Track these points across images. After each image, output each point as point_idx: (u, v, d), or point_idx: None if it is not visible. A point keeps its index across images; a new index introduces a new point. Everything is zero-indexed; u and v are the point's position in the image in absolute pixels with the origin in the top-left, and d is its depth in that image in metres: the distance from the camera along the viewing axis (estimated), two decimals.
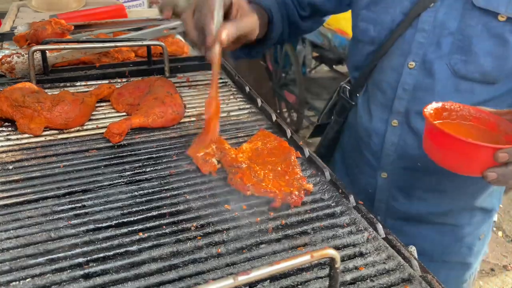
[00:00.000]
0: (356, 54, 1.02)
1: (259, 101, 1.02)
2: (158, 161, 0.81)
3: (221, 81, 1.15)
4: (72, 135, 0.88)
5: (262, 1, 0.97)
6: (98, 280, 0.56)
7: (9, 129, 0.88)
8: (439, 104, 0.77)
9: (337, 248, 0.63)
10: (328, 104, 1.21)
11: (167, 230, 0.65)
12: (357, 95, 1.04)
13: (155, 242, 0.63)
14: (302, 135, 3.85)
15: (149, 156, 0.82)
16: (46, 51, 1.05)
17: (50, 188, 0.72)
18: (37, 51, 1.02)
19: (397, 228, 0.97)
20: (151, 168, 0.79)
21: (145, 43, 1.10)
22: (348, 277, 0.58)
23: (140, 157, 0.82)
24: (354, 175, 1.08)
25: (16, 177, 0.74)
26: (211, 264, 0.59)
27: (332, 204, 0.72)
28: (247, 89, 1.08)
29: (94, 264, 0.59)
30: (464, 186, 0.96)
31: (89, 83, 1.08)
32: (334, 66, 3.85)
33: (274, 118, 0.96)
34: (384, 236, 0.65)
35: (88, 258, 0.59)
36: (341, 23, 2.71)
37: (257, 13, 0.85)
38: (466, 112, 0.77)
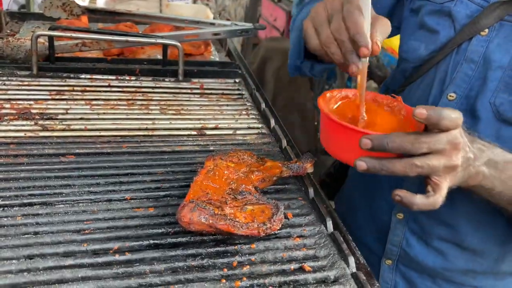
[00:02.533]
0: (393, 77, 0.90)
1: (272, 122, 0.90)
2: (137, 179, 0.70)
3: (237, 92, 1.04)
4: (55, 134, 0.79)
5: None
6: None
7: None
8: (351, 92, 0.67)
9: None
10: None
11: (119, 271, 0.54)
12: None
13: (99, 285, 0.52)
14: None
15: (130, 171, 0.72)
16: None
17: (7, 196, 0.63)
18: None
19: (409, 278, 0.87)
20: (126, 187, 0.68)
21: (159, 41, 1.01)
22: None
23: (119, 171, 0.72)
24: (368, 207, 0.95)
25: None
26: None
27: (327, 266, 0.59)
28: (263, 106, 0.95)
29: None
30: (488, 243, 0.81)
31: (94, 76, 1.00)
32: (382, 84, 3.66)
33: (284, 144, 0.83)
34: None
35: None
36: (393, 42, 2.56)
37: None
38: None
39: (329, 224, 0.65)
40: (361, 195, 0.95)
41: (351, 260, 0.59)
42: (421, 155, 0.55)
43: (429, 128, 0.56)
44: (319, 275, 0.57)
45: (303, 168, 0.73)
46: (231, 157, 0.71)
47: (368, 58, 0.62)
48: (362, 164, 0.56)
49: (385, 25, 0.65)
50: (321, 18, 0.65)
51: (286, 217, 0.65)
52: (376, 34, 0.62)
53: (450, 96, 0.76)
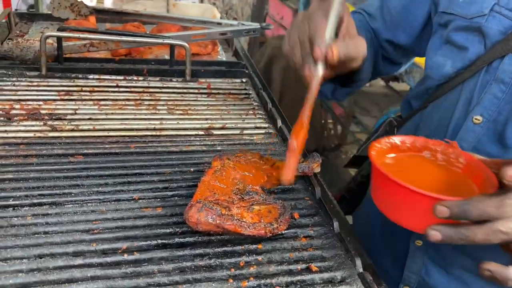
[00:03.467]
0: (416, 93, 0.85)
1: (279, 121, 0.90)
2: (145, 179, 0.71)
3: (244, 92, 1.04)
4: (64, 134, 0.80)
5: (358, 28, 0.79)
6: None
7: (1, 118, 0.81)
8: (399, 139, 0.62)
9: None
10: (372, 136, 1.03)
11: (128, 270, 0.55)
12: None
13: (108, 284, 0.52)
14: (344, 150, 3.67)
15: (138, 171, 0.73)
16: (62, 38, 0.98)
17: (17, 196, 0.64)
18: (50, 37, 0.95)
19: None
20: (134, 187, 0.69)
21: (166, 41, 1.01)
22: None
23: (127, 171, 0.72)
24: (386, 231, 0.88)
25: None
26: None
27: (334, 266, 0.59)
28: (270, 106, 0.96)
29: None
30: None
31: (102, 77, 1.00)
32: (390, 82, 3.64)
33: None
34: None
35: None
36: None
37: None
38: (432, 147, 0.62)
39: (336, 224, 0.65)
40: (378, 217, 0.86)
41: (358, 260, 0.59)
42: (503, 219, 0.48)
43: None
44: (326, 275, 0.57)
45: (310, 168, 0.73)
46: (238, 158, 0.71)
47: (322, 64, 0.60)
48: (435, 234, 0.50)
49: (357, 43, 0.64)
50: (296, 22, 0.65)
51: (292, 217, 0.66)
52: (339, 43, 0.61)
53: (476, 119, 0.70)
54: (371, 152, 0.58)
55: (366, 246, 0.88)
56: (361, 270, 0.59)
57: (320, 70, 0.61)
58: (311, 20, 0.63)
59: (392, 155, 0.62)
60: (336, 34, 0.64)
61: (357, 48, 0.64)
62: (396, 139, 0.63)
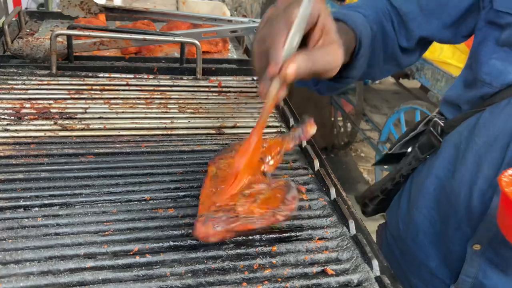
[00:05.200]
0: (461, 92, 0.80)
1: (291, 120, 0.89)
2: (156, 179, 0.70)
3: (255, 90, 1.02)
4: (74, 133, 0.79)
5: (354, 23, 0.71)
6: None
7: (12, 117, 0.81)
8: None
9: None
10: (409, 134, 0.95)
11: (139, 273, 0.53)
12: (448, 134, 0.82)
13: (119, 287, 0.51)
14: (354, 148, 3.64)
15: (149, 171, 0.72)
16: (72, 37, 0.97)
17: (27, 196, 0.63)
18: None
19: None
20: (146, 188, 0.68)
21: (177, 39, 1.00)
22: None
23: (138, 171, 0.71)
24: (437, 233, 0.85)
25: None
26: None
27: (350, 269, 0.58)
28: (281, 104, 0.94)
29: None
30: None
31: (112, 75, 1.00)
32: (400, 80, 3.60)
33: (304, 143, 0.82)
34: None
35: None
36: None
37: (344, 41, 0.62)
38: None
39: (352, 226, 0.63)
40: (427, 218, 0.85)
41: (375, 263, 0.58)
42: None
43: None
44: (342, 278, 0.56)
45: (304, 132, 0.69)
46: (229, 153, 0.69)
47: (277, 81, 0.52)
48: None
49: (329, 54, 0.55)
50: (260, 25, 0.57)
51: (300, 191, 0.63)
52: (299, 58, 0.52)
53: None
54: (500, 179, 0.57)
55: (410, 248, 0.86)
56: (378, 273, 0.57)
57: (274, 88, 0.53)
58: (271, 27, 0.54)
59: None
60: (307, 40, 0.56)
61: (328, 60, 0.55)
62: None
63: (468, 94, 0.78)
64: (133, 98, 0.93)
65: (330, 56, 0.55)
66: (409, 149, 0.92)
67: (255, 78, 1.07)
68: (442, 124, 0.84)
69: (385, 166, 2.45)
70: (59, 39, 0.96)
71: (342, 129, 3.58)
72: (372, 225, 1.00)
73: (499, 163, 0.71)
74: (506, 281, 0.76)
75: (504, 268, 0.75)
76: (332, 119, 3.57)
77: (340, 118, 3.59)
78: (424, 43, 0.84)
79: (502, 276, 0.76)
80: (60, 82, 0.94)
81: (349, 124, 3.47)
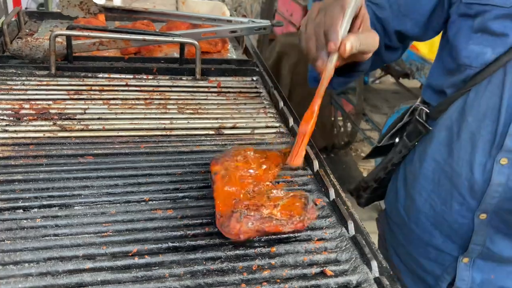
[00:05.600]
0: (444, 78, 0.87)
1: (291, 121, 0.89)
2: (155, 180, 0.70)
3: (254, 90, 1.02)
4: (73, 134, 0.79)
5: None
6: None
7: (11, 118, 0.81)
8: None
9: None
10: (396, 125, 1.02)
11: (138, 274, 0.53)
12: (436, 119, 0.88)
13: None
14: (354, 148, 3.64)
15: (148, 172, 0.72)
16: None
17: (26, 197, 0.63)
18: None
19: (487, 270, 0.87)
20: (145, 188, 0.68)
21: (176, 39, 1.00)
22: None
23: (137, 172, 0.71)
24: (438, 211, 0.90)
25: None
26: None
27: (349, 270, 0.57)
28: (281, 104, 0.94)
29: None
30: None
31: (112, 75, 0.99)
32: (400, 79, 3.59)
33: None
34: None
35: None
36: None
37: None
38: None
39: (351, 226, 0.63)
40: (428, 202, 0.90)
41: (374, 264, 0.58)
42: None
43: None
44: (341, 279, 0.56)
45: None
46: (235, 156, 0.69)
47: (335, 57, 0.64)
48: None
49: (370, 37, 0.68)
50: (312, 14, 0.68)
51: (315, 202, 0.66)
52: (352, 38, 0.64)
53: None
54: None
55: (414, 232, 0.93)
56: (377, 274, 0.57)
57: (333, 63, 0.65)
58: (327, 13, 0.65)
59: None
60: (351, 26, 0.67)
61: (370, 42, 0.68)
62: None
63: (451, 79, 0.85)
64: (132, 99, 0.93)
65: (372, 39, 0.68)
66: (397, 140, 1.00)
67: (254, 78, 1.07)
68: (428, 111, 0.91)
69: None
70: (58, 39, 0.96)
71: (342, 129, 3.57)
72: (371, 225, 1.01)
73: (493, 136, 0.79)
74: (510, 247, 0.84)
75: (508, 233, 0.83)
76: (332, 118, 3.57)
77: (340, 118, 3.58)
78: (403, 39, 0.92)
79: (508, 241, 0.84)
80: (59, 83, 0.94)
81: (349, 124, 3.46)
